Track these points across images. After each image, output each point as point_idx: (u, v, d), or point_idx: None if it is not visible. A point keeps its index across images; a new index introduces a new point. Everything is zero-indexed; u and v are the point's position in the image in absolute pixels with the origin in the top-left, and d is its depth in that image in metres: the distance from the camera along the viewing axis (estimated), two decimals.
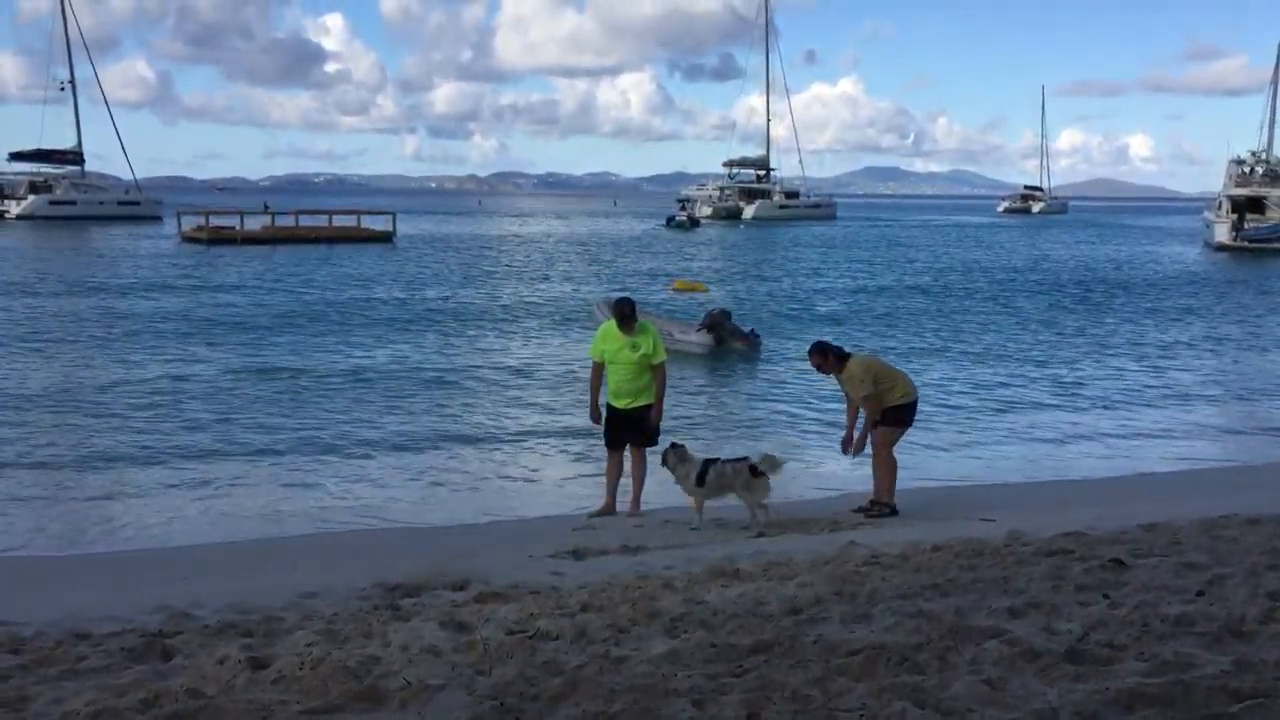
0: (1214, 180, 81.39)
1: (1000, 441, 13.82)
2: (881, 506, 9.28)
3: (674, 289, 34.13)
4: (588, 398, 9.85)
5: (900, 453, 9.60)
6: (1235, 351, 22.92)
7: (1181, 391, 17.76)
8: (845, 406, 9.61)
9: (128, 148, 79.27)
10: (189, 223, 58.93)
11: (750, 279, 39.87)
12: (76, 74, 79.79)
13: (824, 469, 11.76)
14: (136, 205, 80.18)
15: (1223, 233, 59.48)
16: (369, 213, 65.99)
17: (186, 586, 6.90)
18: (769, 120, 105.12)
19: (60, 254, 47.92)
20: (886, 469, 9.32)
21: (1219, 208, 63.12)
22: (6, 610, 6.03)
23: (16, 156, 77.00)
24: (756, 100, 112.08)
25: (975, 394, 17.14)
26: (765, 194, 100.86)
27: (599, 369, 9.55)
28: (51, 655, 4.97)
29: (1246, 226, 58.47)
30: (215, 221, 58.18)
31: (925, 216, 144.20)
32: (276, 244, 53.61)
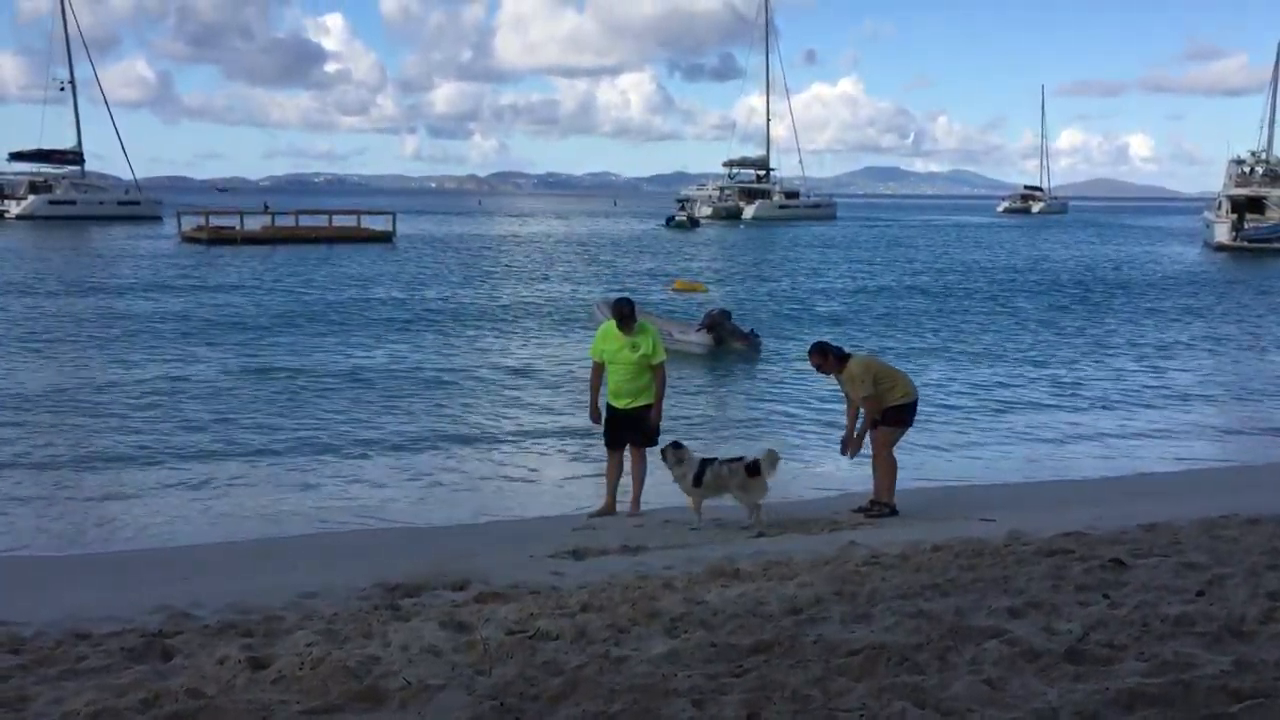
0: (1214, 180, 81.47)
1: (1000, 441, 13.82)
2: (881, 506, 9.28)
3: (674, 289, 34.14)
4: (587, 398, 9.85)
5: (900, 453, 9.60)
6: (1235, 351, 22.92)
7: (1181, 391, 17.76)
8: (845, 407, 9.61)
9: (128, 148, 79.41)
10: (189, 223, 58.93)
11: (750, 279, 39.88)
12: (76, 74, 79.93)
13: (824, 469, 11.76)
14: (136, 205, 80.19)
15: (1223, 233, 59.49)
16: (369, 213, 66.00)
17: (186, 586, 6.90)
18: (769, 120, 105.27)
19: (60, 254, 47.91)
20: (886, 469, 9.33)
21: (1219, 208, 63.13)
22: (6, 610, 6.03)
23: (16, 156, 77.02)
24: (756, 100, 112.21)
25: (975, 394, 17.15)
26: (765, 194, 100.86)
27: (599, 369, 9.55)
28: (51, 655, 4.97)
29: (1246, 226, 58.48)
30: (215, 221, 58.18)
31: (925, 216, 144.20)
32: (276, 244, 53.60)
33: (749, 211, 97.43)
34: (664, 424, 9.63)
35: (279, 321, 25.23)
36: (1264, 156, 65.88)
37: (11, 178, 77.99)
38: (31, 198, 75.59)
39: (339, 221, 62.03)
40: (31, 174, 77.82)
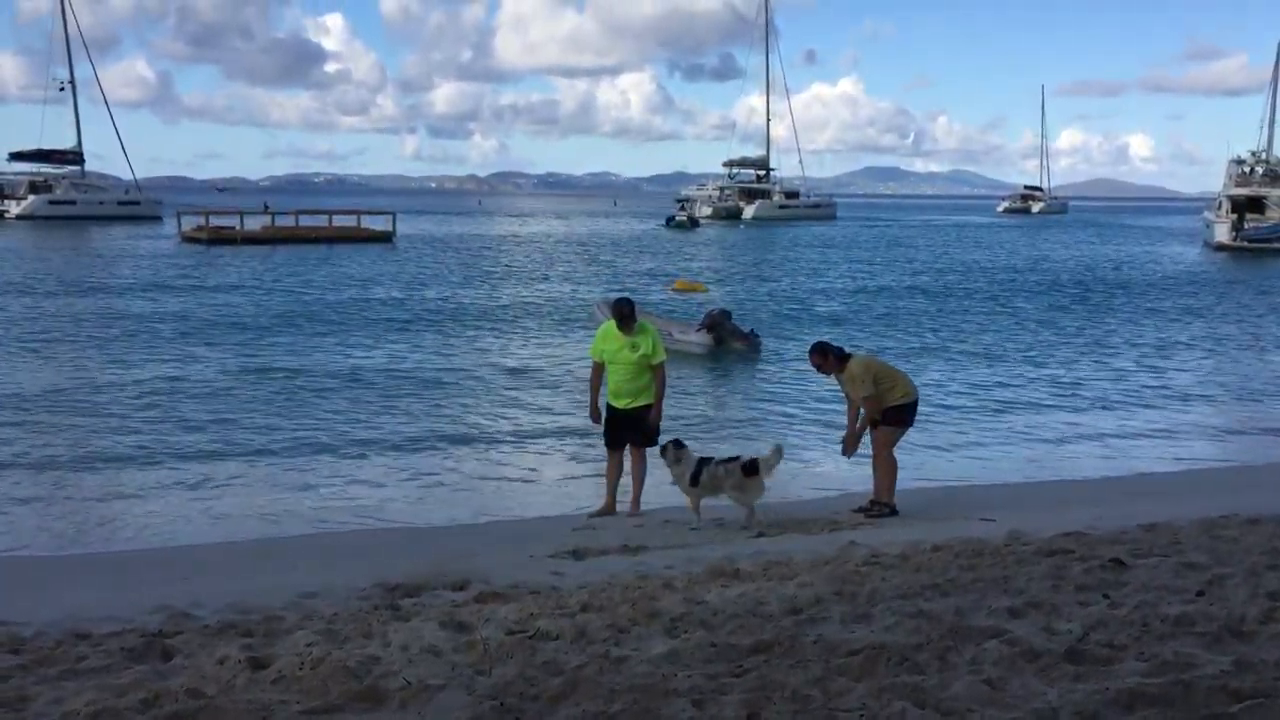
0: (1214, 180, 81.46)
1: (1000, 441, 13.82)
2: (881, 506, 9.28)
3: (674, 289, 34.15)
4: (587, 398, 9.86)
5: (900, 453, 9.60)
6: (1235, 351, 22.91)
7: (1181, 391, 17.76)
8: (845, 407, 9.62)
9: (128, 148, 79.41)
10: (189, 223, 58.94)
11: (750, 279, 39.89)
12: (76, 74, 79.93)
13: (824, 469, 11.76)
14: (136, 205, 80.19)
15: (1223, 232, 59.49)
16: (369, 213, 66.00)
17: (186, 586, 6.90)
18: (769, 120, 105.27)
19: (60, 254, 47.91)
20: (887, 469, 9.33)
21: (1219, 208, 63.14)
22: (6, 610, 6.03)
23: (16, 156, 77.03)
24: (756, 100, 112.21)
25: (975, 394, 17.15)
26: (765, 194, 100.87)
27: (599, 369, 9.55)
28: (51, 655, 4.96)
29: (1246, 226, 58.49)
30: (215, 221, 58.19)
31: (925, 216, 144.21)
32: (276, 244, 53.61)
33: (749, 211, 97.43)
34: (664, 424, 9.64)
35: (279, 321, 25.23)
36: (1264, 156, 65.87)
37: (11, 178, 78.00)
38: (31, 198, 75.58)
39: (339, 221, 62.03)
40: (31, 174, 77.83)
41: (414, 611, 5.71)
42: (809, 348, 9.78)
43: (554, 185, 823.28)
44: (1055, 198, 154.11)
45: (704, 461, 8.85)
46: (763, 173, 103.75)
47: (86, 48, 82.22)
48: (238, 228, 56.73)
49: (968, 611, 4.89)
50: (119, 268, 40.48)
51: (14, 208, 75.00)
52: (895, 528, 8.49)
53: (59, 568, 8.19)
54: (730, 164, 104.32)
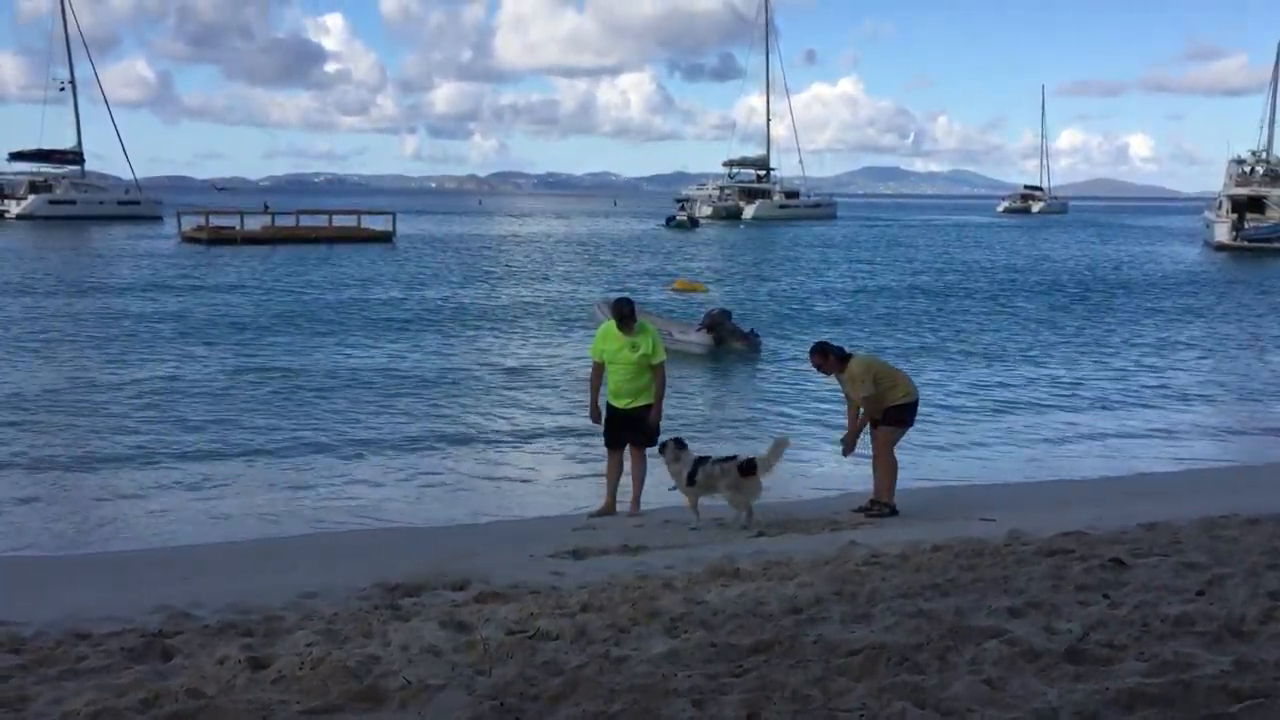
0: (1214, 180, 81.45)
1: (1000, 441, 13.83)
2: (881, 506, 9.28)
3: (674, 289, 34.17)
4: (587, 398, 9.86)
5: (900, 453, 9.60)
6: (1235, 351, 22.92)
7: (1181, 391, 17.76)
8: (845, 407, 9.62)
9: (128, 147, 79.38)
10: (189, 223, 58.93)
11: (750, 279, 39.89)
12: (76, 74, 79.90)
13: (823, 469, 11.76)
14: (136, 205, 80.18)
15: (1223, 232, 59.50)
16: (369, 213, 65.99)
17: (186, 586, 6.90)
18: (769, 120, 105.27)
19: (60, 254, 47.91)
20: (887, 469, 9.33)
21: (1219, 207, 63.14)
22: (6, 610, 6.03)
23: (16, 156, 77.01)
24: (756, 100, 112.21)
25: (975, 394, 17.15)
26: (765, 194, 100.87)
27: (599, 369, 9.56)
28: (51, 655, 4.96)
29: (1246, 226, 58.49)
30: (215, 221, 58.19)
31: (925, 216, 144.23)
32: (276, 244, 53.61)
33: (749, 211, 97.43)
34: (663, 424, 9.64)
35: (279, 322, 25.23)
36: (1264, 156, 65.87)
37: (11, 178, 77.98)
38: (31, 198, 75.57)
39: (339, 221, 62.04)
40: (31, 174, 77.82)
41: (414, 611, 5.71)
42: (809, 348, 9.78)
43: (554, 185, 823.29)
44: (1055, 198, 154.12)
45: (701, 460, 8.86)
46: (763, 173, 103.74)
47: (86, 48, 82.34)
48: (238, 228, 56.73)
49: (968, 611, 4.89)
50: (119, 268, 40.48)
51: (14, 208, 75.00)
52: (895, 528, 8.49)
53: (59, 568, 8.20)
54: (730, 164, 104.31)
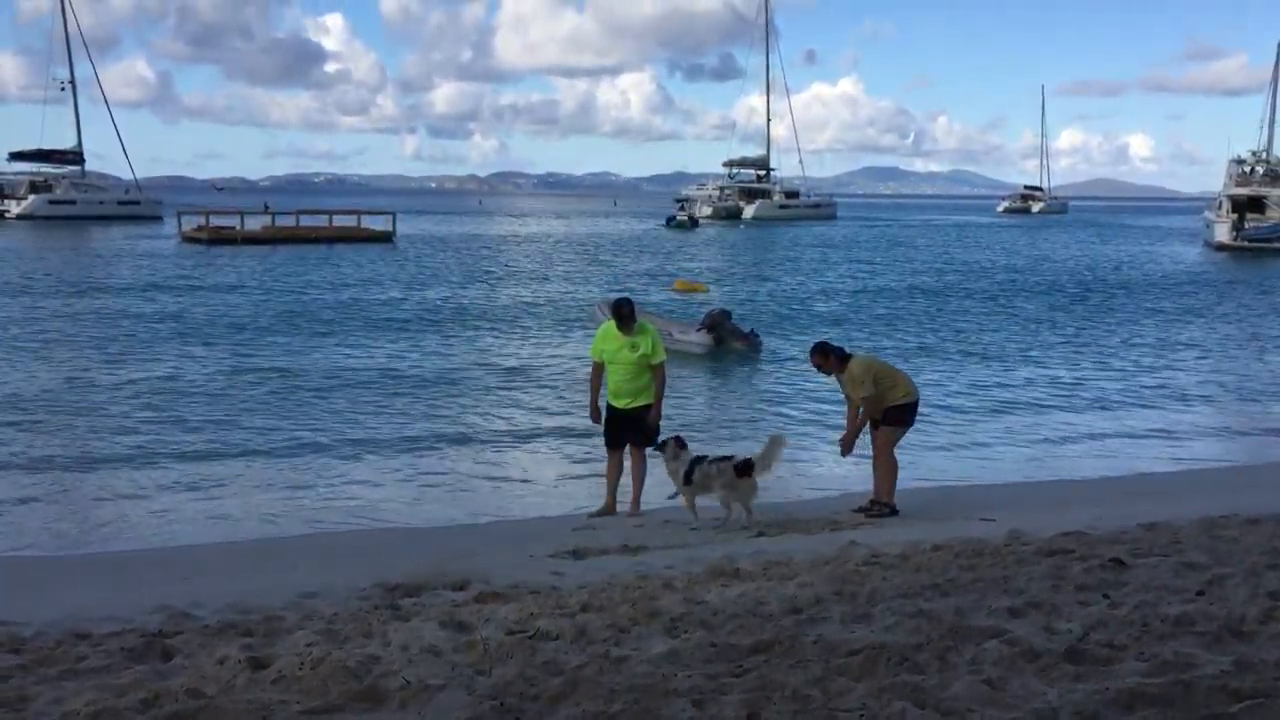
0: (1214, 180, 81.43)
1: (1000, 441, 13.83)
2: (881, 506, 9.28)
3: (675, 289, 34.18)
4: (587, 398, 9.86)
5: (900, 453, 9.60)
6: (1235, 351, 22.92)
7: (1181, 391, 17.76)
8: (845, 407, 9.61)
9: (128, 147, 79.35)
10: (189, 223, 58.93)
11: (750, 279, 39.89)
12: (76, 74, 79.88)
13: (824, 469, 11.76)
14: (136, 205, 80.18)
15: (1223, 232, 59.52)
16: (369, 213, 66.00)
17: (186, 586, 6.90)
18: (769, 120, 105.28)
19: (60, 254, 47.91)
20: (887, 469, 9.33)
21: (1219, 207, 63.15)
22: (6, 610, 6.03)
23: (16, 156, 77.01)
24: (756, 100, 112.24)
25: (974, 394, 17.15)
26: (765, 194, 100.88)
27: (599, 369, 9.56)
28: (51, 655, 4.96)
29: (1247, 226, 58.50)
30: (215, 221, 58.20)
31: (925, 216, 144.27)
32: (276, 244, 53.62)
33: (749, 211, 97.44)
34: (663, 424, 9.64)
35: (278, 322, 25.23)
36: (1264, 156, 65.86)
37: (11, 178, 77.98)
38: (31, 198, 75.57)
39: (339, 221, 62.05)
40: (31, 174, 77.81)
41: (414, 611, 5.71)
42: (810, 348, 9.78)
43: (554, 185, 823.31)
44: (1055, 198, 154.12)
45: (698, 460, 8.86)
46: (763, 173, 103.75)
47: (86, 48, 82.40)
48: (238, 228, 56.72)
49: (968, 611, 4.89)
50: (119, 268, 40.48)
51: (14, 208, 75.00)
52: (895, 528, 8.49)
53: (59, 568, 8.20)
54: (730, 164, 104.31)
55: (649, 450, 9.38)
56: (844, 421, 9.76)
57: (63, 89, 78.80)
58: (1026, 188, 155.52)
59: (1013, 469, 12.34)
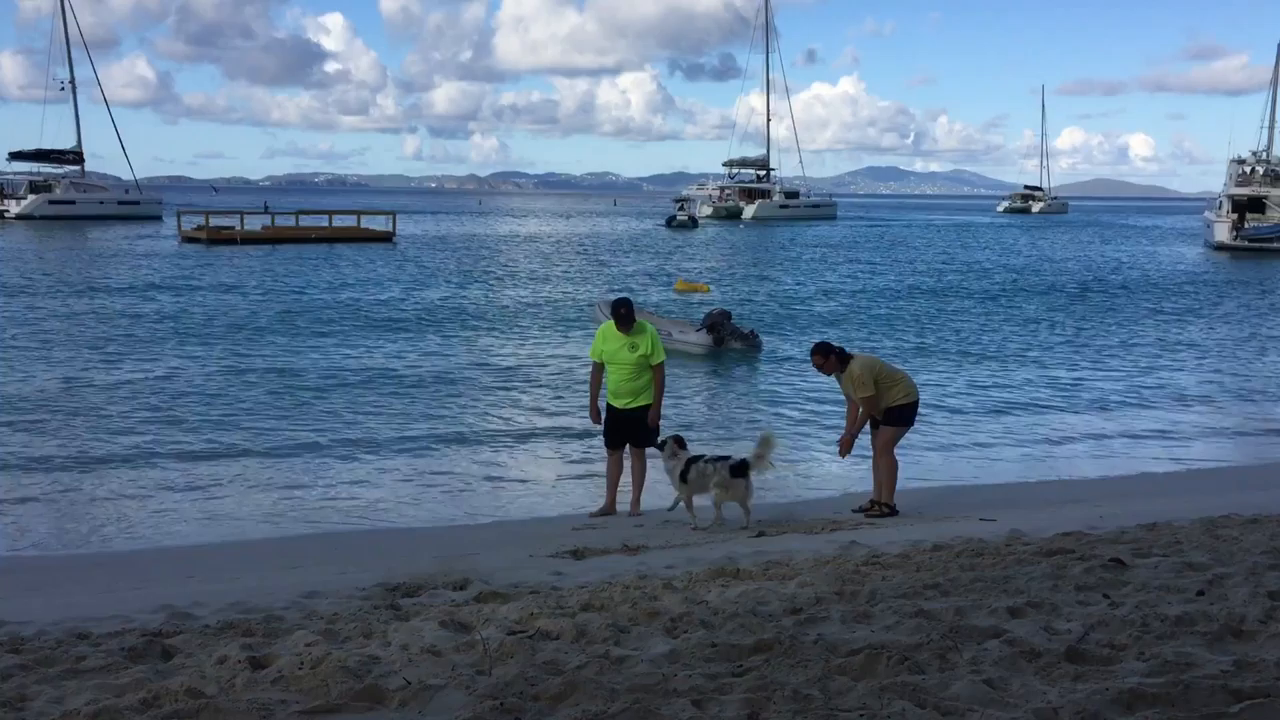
0: (1215, 180, 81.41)
1: (1000, 441, 13.83)
2: (882, 506, 9.28)
3: (676, 289, 34.20)
4: (587, 398, 9.86)
5: (900, 453, 9.61)
6: (1235, 351, 22.92)
7: (1181, 392, 17.76)
8: (845, 407, 9.62)
9: (128, 147, 79.30)
10: (189, 222, 58.94)
11: (750, 279, 39.88)
12: (76, 74, 79.74)
13: (824, 469, 11.76)
14: (136, 205, 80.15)
15: (1223, 232, 59.53)
16: (369, 213, 66.02)
17: (186, 586, 6.91)
18: (769, 120, 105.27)
19: (59, 254, 47.90)
20: (887, 469, 9.33)
21: (1220, 207, 63.15)
22: (6, 610, 6.03)
23: (16, 156, 76.95)
24: (756, 100, 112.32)
25: (974, 394, 17.15)
26: (765, 194, 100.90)
27: (599, 369, 9.56)
28: (52, 655, 4.96)
29: (1247, 226, 58.49)
30: (215, 221, 58.20)
31: (925, 216, 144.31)
32: (276, 244, 53.61)
33: (749, 211, 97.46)
34: (663, 424, 9.64)
35: (278, 322, 25.22)
36: (1265, 156, 65.84)
37: (11, 178, 77.97)
38: (31, 197, 75.55)
39: (339, 221, 62.05)
40: (31, 174, 77.78)
41: (414, 611, 5.71)
42: (811, 348, 9.78)
43: (554, 185, 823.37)
44: (1055, 198, 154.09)
45: (694, 459, 8.87)
46: (763, 173, 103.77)
47: (87, 48, 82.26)
48: (238, 228, 56.72)
49: (968, 611, 4.89)
50: (118, 268, 40.46)
51: (14, 207, 74.99)
52: (895, 528, 8.49)
53: (59, 568, 8.20)
54: (730, 164, 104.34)
55: (649, 450, 9.39)
56: (843, 421, 9.76)
57: (63, 89, 78.78)
58: (1027, 187, 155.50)
59: (1013, 469, 12.34)
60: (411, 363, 19.55)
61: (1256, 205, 60.14)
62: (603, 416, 9.59)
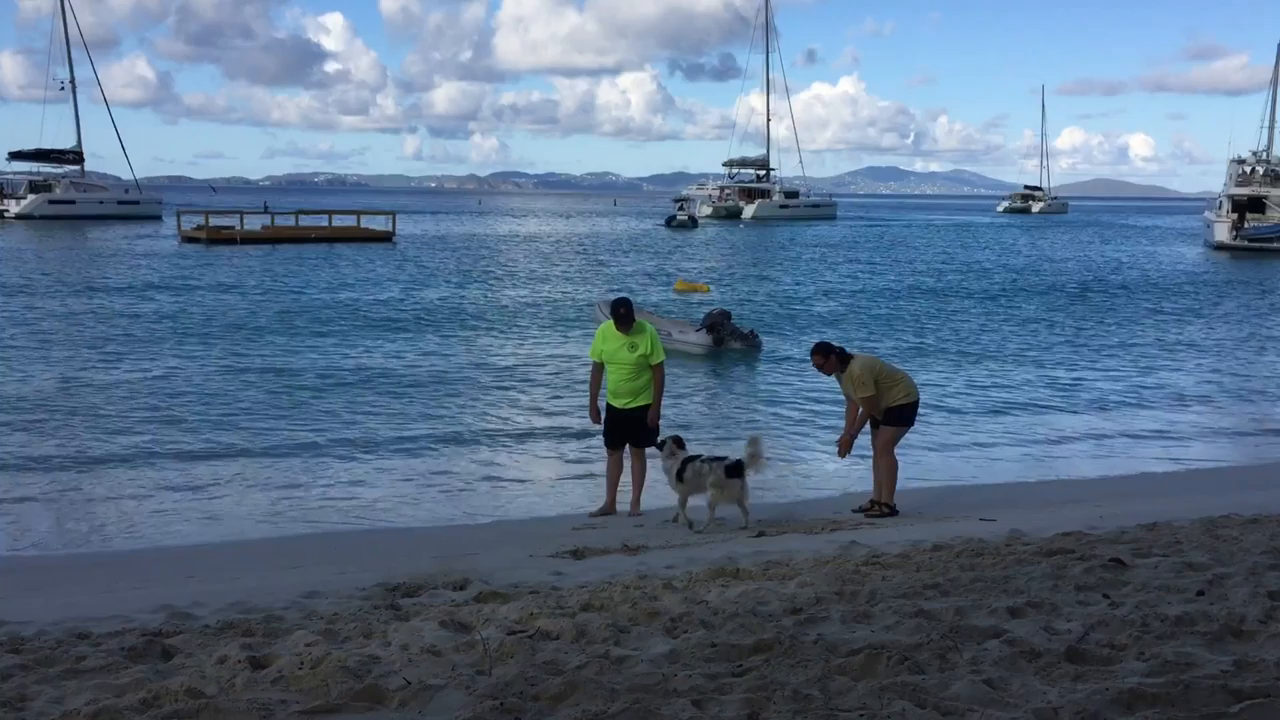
0: (1215, 180, 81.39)
1: (999, 441, 13.83)
2: (882, 506, 9.28)
3: (676, 289, 34.20)
4: (587, 398, 9.86)
5: (900, 453, 9.61)
6: (1235, 351, 22.92)
7: (1181, 391, 17.76)
8: (845, 407, 9.62)
9: (128, 147, 79.27)
10: (189, 222, 58.94)
11: (750, 279, 39.88)
12: (76, 74, 79.70)
13: (823, 469, 11.76)
14: (136, 205, 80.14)
15: (1223, 232, 59.55)
16: (369, 213, 66.03)
17: (186, 586, 6.91)
18: (769, 120, 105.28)
19: (59, 254, 47.89)
20: (887, 469, 9.33)
21: (1220, 207, 63.17)
22: (6, 610, 6.03)
23: (16, 156, 76.93)
24: (756, 100, 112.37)
25: (974, 394, 17.15)
26: (765, 194, 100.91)
27: (599, 369, 9.56)
28: (52, 655, 4.96)
29: (1247, 226, 58.51)
30: (215, 221, 58.21)
31: (925, 216, 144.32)
32: (276, 244, 53.61)
33: (749, 211, 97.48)
34: (662, 424, 9.64)
35: (277, 322, 25.22)
36: (1265, 156, 65.84)
37: (11, 177, 77.95)
38: (31, 197, 75.53)
39: (339, 221, 62.06)
40: (31, 174, 77.76)
41: (414, 611, 5.71)
42: (811, 348, 9.78)
43: (554, 185, 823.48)
44: (1055, 198, 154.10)
45: (691, 459, 8.87)
46: (763, 172, 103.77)
47: (86, 48, 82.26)
48: (237, 227, 56.72)
49: (968, 611, 4.89)
50: (118, 267, 40.46)
51: (14, 207, 74.98)
52: (895, 528, 8.49)
53: (59, 568, 8.19)
54: (730, 164, 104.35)
55: (649, 450, 9.39)
56: (841, 421, 9.76)
57: (63, 89, 78.76)
58: (1027, 187, 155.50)
59: (1012, 469, 12.34)
60: (411, 362, 19.56)
61: (1256, 205, 60.15)
62: (602, 416, 9.60)
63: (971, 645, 4.33)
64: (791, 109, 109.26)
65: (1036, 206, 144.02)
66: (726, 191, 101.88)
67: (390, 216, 62.76)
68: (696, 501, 8.94)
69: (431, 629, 4.93)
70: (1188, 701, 3.63)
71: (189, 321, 24.96)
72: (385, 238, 59.90)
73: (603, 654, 4.39)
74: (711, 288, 34.71)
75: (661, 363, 9.45)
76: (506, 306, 29.74)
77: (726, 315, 21.18)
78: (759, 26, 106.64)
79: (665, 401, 9.72)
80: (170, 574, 7.56)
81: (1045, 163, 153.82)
